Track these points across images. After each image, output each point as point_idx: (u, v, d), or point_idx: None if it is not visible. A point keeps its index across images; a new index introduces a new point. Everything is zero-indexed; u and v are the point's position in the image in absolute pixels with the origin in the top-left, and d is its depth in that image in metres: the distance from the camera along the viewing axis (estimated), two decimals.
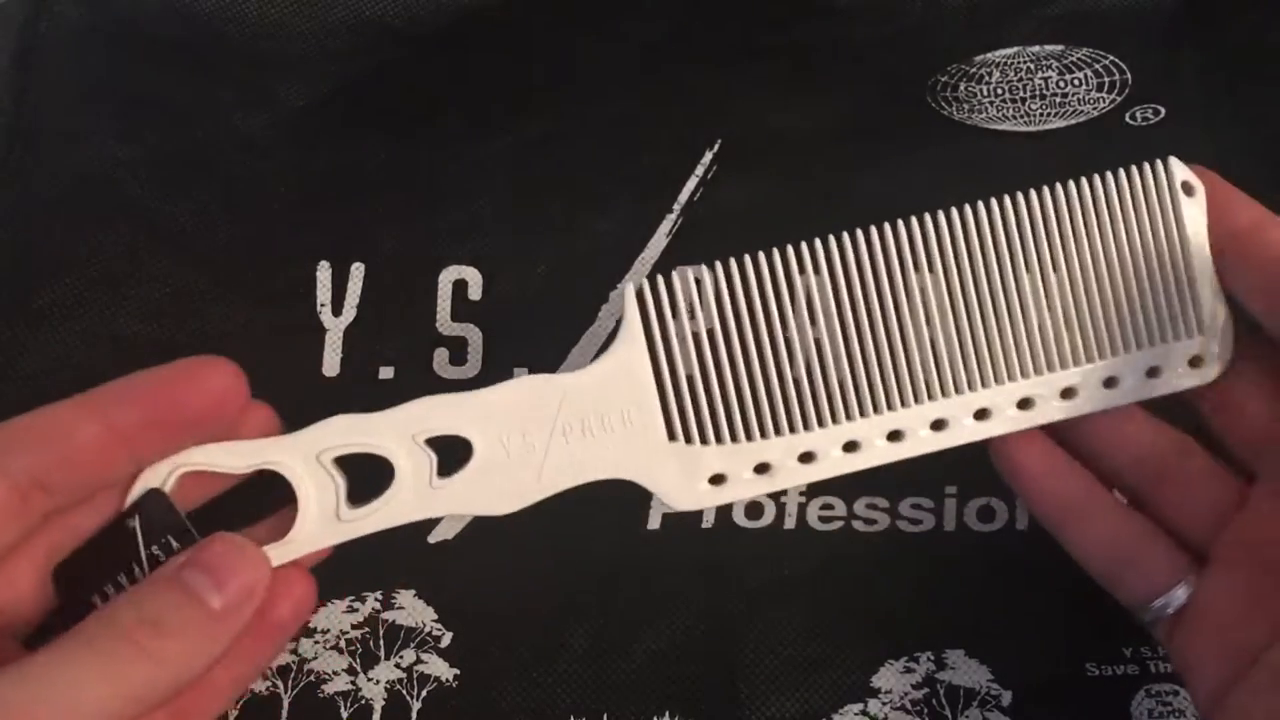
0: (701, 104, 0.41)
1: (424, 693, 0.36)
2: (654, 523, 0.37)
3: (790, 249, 0.31)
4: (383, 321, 0.39)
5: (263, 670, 0.34)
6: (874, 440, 0.31)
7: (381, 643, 0.36)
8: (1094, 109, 0.41)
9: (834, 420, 0.31)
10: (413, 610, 0.36)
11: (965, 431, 0.31)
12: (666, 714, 0.36)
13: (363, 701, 0.35)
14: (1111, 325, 0.31)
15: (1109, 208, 0.31)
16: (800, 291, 0.30)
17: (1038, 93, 0.41)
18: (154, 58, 0.41)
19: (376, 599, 0.36)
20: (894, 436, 0.31)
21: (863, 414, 0.31)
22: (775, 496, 0.38)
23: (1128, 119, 0.41)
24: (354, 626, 0.36)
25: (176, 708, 0.29)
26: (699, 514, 0.37)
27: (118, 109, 0.40)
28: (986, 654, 0.36)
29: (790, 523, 0.38)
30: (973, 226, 0.31)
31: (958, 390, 0.31)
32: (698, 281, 0.30)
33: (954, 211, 0.31)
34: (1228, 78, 0.41)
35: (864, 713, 0.36)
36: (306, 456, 0.29)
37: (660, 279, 0.30)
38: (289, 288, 0.39)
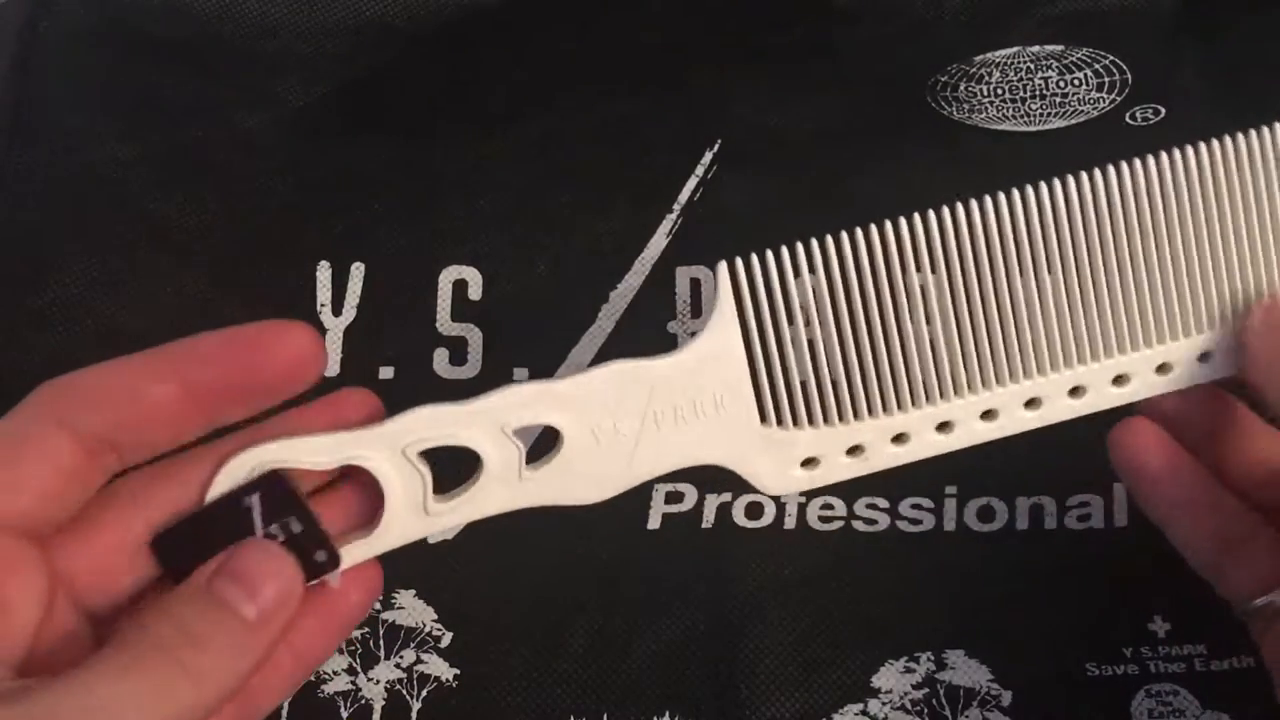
0: (701, 104, 0.41)
1: (424, 693, 0.36)
2: (654, 523, 0.37)
3: (889, 226, 0.29)
4: (383, 321, 0.39)
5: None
6: (968, 421, 0.30)
7: (381, 643, 0.36)
8: (1094, 109, 0.41)
9: (928, 400, 0.30)
10: (413, 610, 0.36)
11: (1059, 410, 0.30)
12: (666, 714, 0.35)
13: (363, 701, 0.35)
14: (1210, 298, 0.30)
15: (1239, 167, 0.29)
16: (896, 270, 0.29)
17: (1038, 93, 0.41)
18: (154, 58, 0.41)
19: (377, 599, 0.36)
20: (988, 416, 0.30)
21: (957, 394, 0.30)
22: (775, 496, 0.38)
23: (1128, 119, 0.41)
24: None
25: (244, 695, 0.28)
26: (699, 514, 0.37)
27: (118, 109, 0.40)
28: (986, 654, 0.36)
29: (790, 523, 0.38)
30: (1089, 197, 0.29)
31: (1054, 368, 0.30)
32: (790, 259, 0.29)
33: (1066, 184, 0.29)
34: (1228, 78, 0.41)
35: (864, 713, 0.36)
36: (392, 451, 0.28)
37: (754, 257, 0.29)
38: (289, 288, 0.39)
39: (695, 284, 0.40)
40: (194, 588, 0.26)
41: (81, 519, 0.27)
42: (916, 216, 0.29)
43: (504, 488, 0.29)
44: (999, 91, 0.41)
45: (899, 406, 0.30)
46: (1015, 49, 0.41)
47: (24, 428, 0.26)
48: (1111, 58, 0.41)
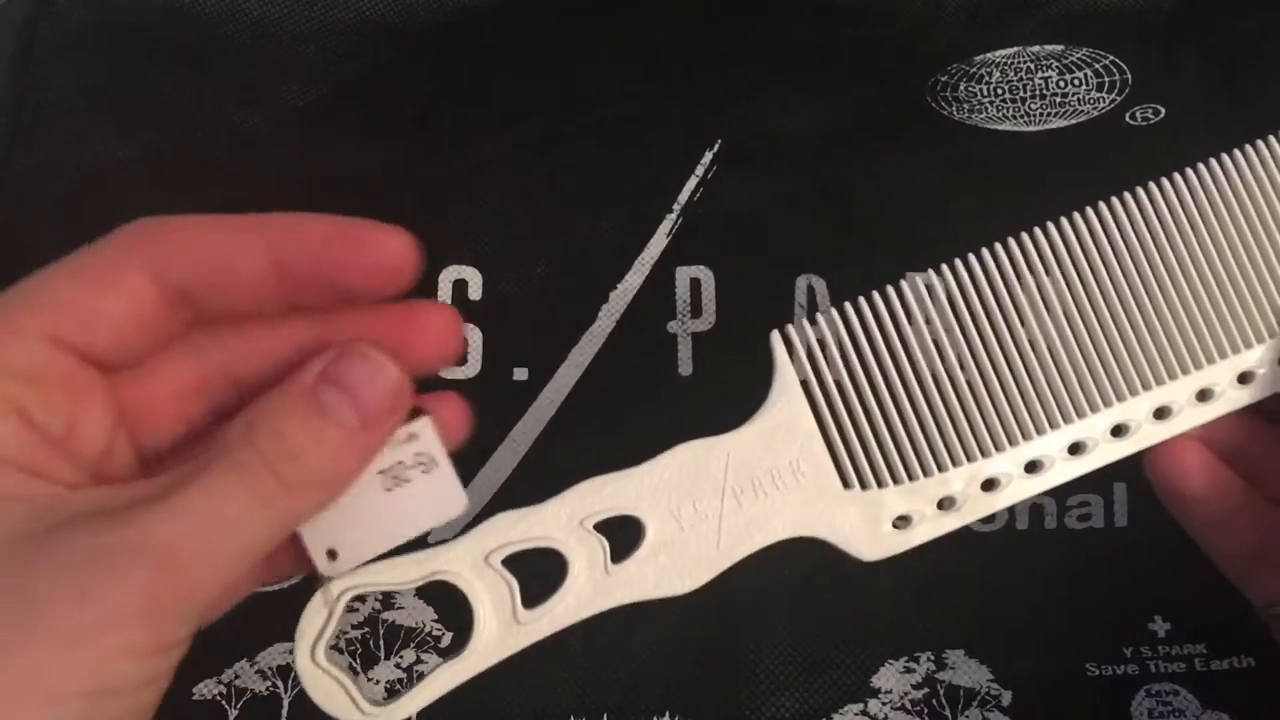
0: (701, 104, 0.41)
1: None
2: None
3: (943, 270, 0.29)
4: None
5: None
6: (1055, 457, 0.29)
7: (381, 643, 0.36)
8: (1094, 109, 0.41)
9: (1012, 442, 0.29)
10: (413, 610, 0.36)
11: (1145, 435, 0.30)
12: (666, 714, 0.36)
13: None
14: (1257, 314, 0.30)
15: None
16: (962, 309, 0.29)
17: (1038, 93, 0.41)
18: (154, 58, 0.41)
19: (376, 599, 0.36)
20: (1075, 449, 0.30)
21: (1039, 431, 0.29)
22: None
23: (1128, 119, 0.41)
24: (354, 626, 0.36)
25: None
26: None
27: (118, 109, 0.40)
28: (986, 654, 0.36)
29: None
30: (1139, 219, 0.29)
31: (1132, 392, 0.29)
32: (845, 317, 0.29)
33: (1107, 206, 0.30)
34: (1228, 78, 0.41)
35: (864, 713, 0.36)
36: (475, 561, 0.28)
37: (805, 322, 0.29)
38: None
39: (695, 284, 0.40)
40: (298, 393, 0.26)
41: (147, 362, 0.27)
42: (978, 254, 0.29)
43: (593, 588, 0.28)
44: (999, 91, 0.41)
45: (983, 452, 0.29)
46: (1015, 49, 0.41)
47: (110, 264, 0.26)
48: (1111, 58, 0.41)
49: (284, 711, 0.35)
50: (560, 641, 0.36)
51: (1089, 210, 0.30)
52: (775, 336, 0.29)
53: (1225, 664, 0.36)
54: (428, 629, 0.36)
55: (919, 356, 0.29)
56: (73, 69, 0.41)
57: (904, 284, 0.29)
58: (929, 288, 0.29)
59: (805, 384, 0.29)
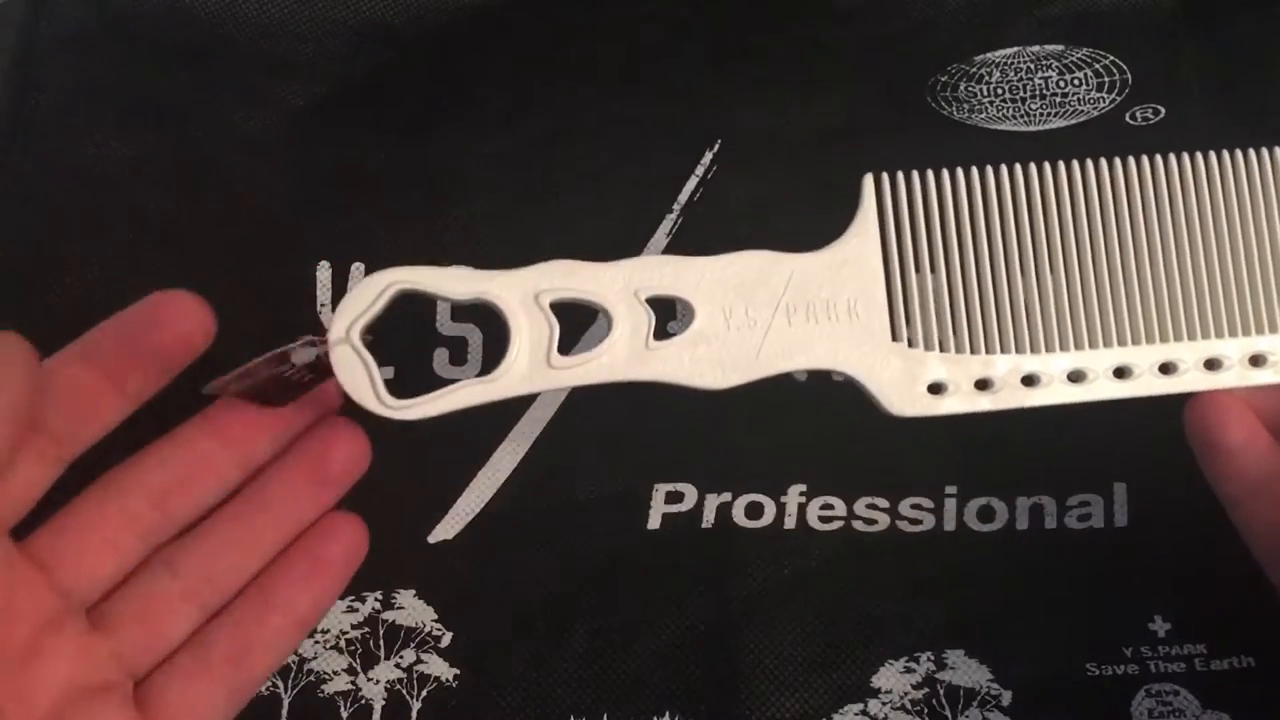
0: (701, 104, 0.41)
1: (424, 693, 0.36)
2: (654, 523, 0.37)
3: (1048, 167, 0.31)
4: (383, 321, 0.39)
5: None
6: (1099, 374, 0.30)
7: (381, 643, 0.36)
8: (1094, 109, 0.41)
9: (1062, 347, 0.30)
10: (413, 610, 0.36)
11: (1190, 380, 0.31)
12: (666, 714, 0.36)
13: (363, 701, 0.35)
14: None
15: None
16: (1052, 210, 0.31)
17: (1038, 93, 0.41)
18: (154, 58, 0.41)
19: (376, 599, 0.36)
20: (1120, 373, 0.31)
21: (1091, 345, 0.30)
22: (775, 496, 0.38)
23: (1128, 119, 0.41)
24: (354, 626, 0.36)
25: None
26: (699, 514, 0.37)
27: (118, 109, 0.40)
28: (986, 654, 0.36)
29: (790, 523, 0.38)
30: (1241, 169, 0.31)
31: (1190, 335, 0.30)
32: (941, 182, 0.30)
33: (1227, 154, 0.31)
34: (1228, 78, 0.41)
35: (864, 713, 0.36)
36: (525, 294, 0.29)
37: (901, 175, 0.31)
38: (289, 288, 0.39)
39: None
40: None
41: (63, 514, 0.30)
42: (1082, 164, 0.31)
43: (630, 355, 0.29)
44: (999, 91, 0.41)
45: (1032, 347, 0.30)
46: (1015, 49, 0.41)
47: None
48: (1111, 58, 0.41)
49: (284, 711, 0.35)
50: (560, 641, 0.36)
51: (1185, 155, 0.31)
52: (868, 178, 0.30)
53: (1225, 664, 0.36)
54: (428, 629, 0.36)
55: (997, 241, 0.30)
56: (73, 69, 0.41)
57: (1004, 169, 0.31)
58: (1026, 179, 0.31)
59: (884, 230, 0.29)
